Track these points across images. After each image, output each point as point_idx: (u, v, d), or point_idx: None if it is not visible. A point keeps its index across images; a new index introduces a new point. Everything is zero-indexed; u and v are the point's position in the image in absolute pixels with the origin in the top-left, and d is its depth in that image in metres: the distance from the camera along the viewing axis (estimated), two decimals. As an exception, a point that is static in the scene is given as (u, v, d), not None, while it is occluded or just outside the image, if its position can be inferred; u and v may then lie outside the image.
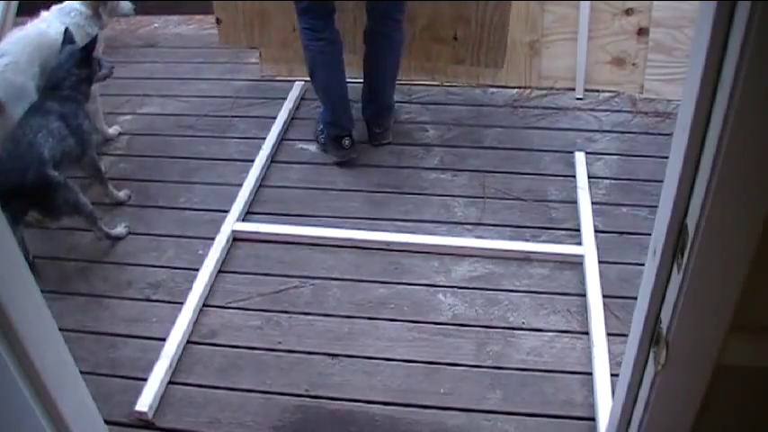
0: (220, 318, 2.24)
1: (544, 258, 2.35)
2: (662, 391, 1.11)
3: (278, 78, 3.37)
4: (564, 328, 2.14)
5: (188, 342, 2.16)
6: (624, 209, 2.53)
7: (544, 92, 3.14)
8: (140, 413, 1.93)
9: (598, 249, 2.34)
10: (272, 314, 2.23)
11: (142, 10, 3.04)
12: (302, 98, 3.20)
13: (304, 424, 1.93)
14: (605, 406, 1.83)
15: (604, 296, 2.18)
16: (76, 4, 2.80)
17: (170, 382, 2.04)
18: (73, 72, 2.46)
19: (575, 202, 2.56)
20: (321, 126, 2.89)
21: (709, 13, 0.80)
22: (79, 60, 2.47)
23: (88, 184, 2.68)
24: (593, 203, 2.53)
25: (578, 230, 2.44)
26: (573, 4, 3.00)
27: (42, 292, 1.11)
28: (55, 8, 2.80)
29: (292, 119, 3.11)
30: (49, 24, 2.73)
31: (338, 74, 2.78)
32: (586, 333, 2.11)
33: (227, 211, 2.59)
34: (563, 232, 2.47)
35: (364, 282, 2.33)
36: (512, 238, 2.45)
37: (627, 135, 2.90)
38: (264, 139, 2.93)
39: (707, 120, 0.86)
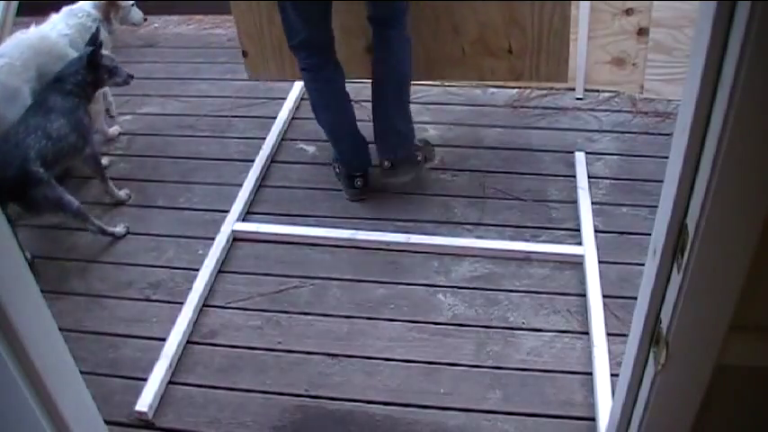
0: (220, 318, 2.24)
1: (544, 258, 2.35)
2: (662, 391, 1.11)
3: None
4: (564, 328, 2.14)
5: (188, 342, 2.16)
6: (624, 209, 2.53)
7: (544, 92, 3.14)
8: (140, 413, 1.94)
9: (598, 249, 2.34)
10: (272, 314, 2.23)
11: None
12: (302, 98, 3.20)
13: (304, 424, 1.93)
14: (605, 406, 1.83)
15: (604, 296, 2.18)
16: (87, 6, 2.82)
17: (170, 382, 2.04)
18: (80, 71, 2.50)
19: (575, 202, 2.56)
20: (333, 157, 2.71)
21: (709, 13, 0.80)
22: (87, 62, 2.50)
23: (82, 183, 2.68)
24: (593, 203, 2.53)
25: (578, 230, 2.44)
26: (573, 4, 3.00)
27: (42, 292, 1.11)
28: (65, 9, 2.82)
29: (292, 119, 3.10)
30: (54, 26, 2.74)
31: (342, 113, 2.58)
32: (586, 333, 2.11)
33: (227, 211, 2.59)
34: (563, 232, 2.47)
35: (364, 282, 2.33)
36: (512, 238, 2.45)
37: (627, 135, 2.90)
38: (264, 139, 2.93)
39: (707, 120, 0.86)
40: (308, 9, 2.37)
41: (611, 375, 1.93)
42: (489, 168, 2.76)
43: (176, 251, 2.51)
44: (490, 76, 2.76)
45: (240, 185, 2.70)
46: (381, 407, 1.96)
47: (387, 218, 2.57)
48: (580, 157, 2.76)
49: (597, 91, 3.12)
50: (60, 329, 1.19)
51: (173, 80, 3.45)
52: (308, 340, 2.15)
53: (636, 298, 1.17)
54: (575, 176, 2.67)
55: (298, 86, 3.25)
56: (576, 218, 2.50)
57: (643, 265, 1.13)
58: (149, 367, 2.05)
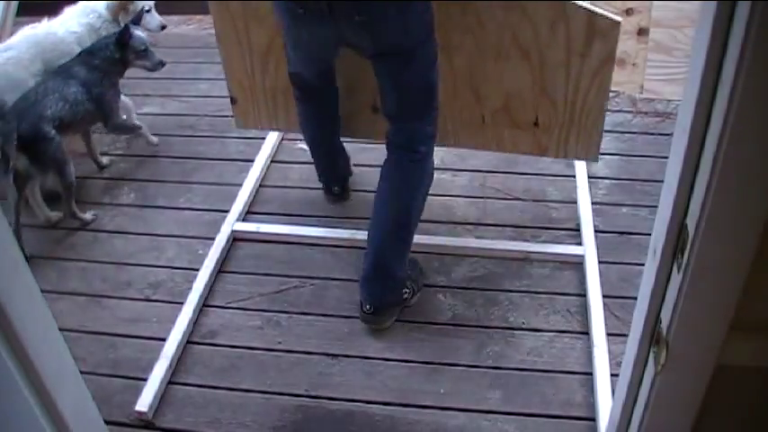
0: (220, 318, 2.24)
1: (544, 258, 2.35)
2: (662, 391, 1.11)
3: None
4: (564, 328, 2.14)
5: (188, 342, 2.16)
6: (624, 209, 2.53)
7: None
8: (140, 413, 1.94)
9: (598, 249, 2.34)
10: (272, 314, 2.23)
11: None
12: (302, 98, 3.20)
13: (304, 424, 1.93)
14: (605, 406, 1.83)
15: (604, 296, 2.18)
16: (99, 6, 2.84)
17: (170, 382, 2.04)
18: (109, 47, 2.61)
19: (575, 202, 2.56)
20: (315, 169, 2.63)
21: (709, 13, 0.80)
22: (115, 40, 2.62)
23: (81, 183, 2.67)
24: (593, 203, 2.53)
25: (578, 230, 2.44)
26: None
27: (42, 292, 1.11)
28: (79, 5, 2.85)
29: (292, 119, 3.10)
30: (63, 23, 2.76)
31: (326, 134, 2.46)
32: (586, 333, 2.11)
33: (227, 211, 2.59)
34: (563, 232, 2.47)
35: (364, 282, 2.32)
36: (512, 238, 2.44)
37: (627, 135, 2.90)
38: (264, 139, 2.93)
39: (707, 120, 0.86)
40: (309, 57, 2.19)
41: (611, 375, 1.93)
42: (489, 168, 2.76)
43: (176, 251, 2.51)
44: (511, 149, 2.41)
45: (240, 185, 2.70)
46: (381, 407, 1.96)
47: (387, 218, 2.57)
48: (580, 157, 2.75)
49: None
50: (60, 329, 1.19)
51: (173, 80, 3.45)
52: (308, 340, 2.15)
53: (636, 298, 1.17)
54: (574, 176, 2.66)
55: (298, 86, 3.24)
56: (576, 218, 2.50)
57: (643, 265, 1.12)
58: (149, 367, 2.05)
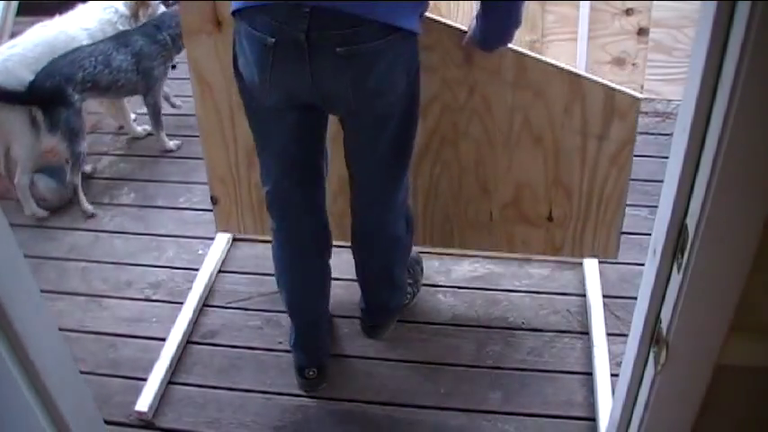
0: (220, 318, 2.24)
1: (544, 258, 2.35)
2: (662, 391, 1.11)
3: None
4: (564, 328, 2.14)
5: (188, 342, 2.16)
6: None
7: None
8: (140, 413, 1.94)
9: (598, 249, 2.34)
10: (272, 314, 2.23)
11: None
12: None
13: (304, 424, 1.93)
14: (605, 406, 1.83)
15: (604, 296, 2.19)
16: (119, 3, 2.85)
17: (170, 382, 2.04)
18: (179, 26, 2.57)
19: (575, 202, 2.56)
20: (290, 332, 2.08)
21: (709, 13, 0.80)
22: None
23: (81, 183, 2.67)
24: (593, 203, 2.53)
25: (578, 230, 2.44)
26: (573, 4, 2.99)
27: (42, 292, 1.11)
28: (95, 2, 2.85)
29: (292, 119, 3.10)
30: (77, 18, 2.75)
31: (309, 288, 1.97)
32: (586, 333, 2.11)
33: (227, 211, 2.58)
34: (563, 232, 2.46)
35: (364, 282, 2.32)
36: (512, 238, 2.44)
37: (627, 135, 2.89)
38: (264, 139, 2.93)
39: (707, 120, 0.86)
40: (285, 131, 1.69)
41: (611, 375, 1.93)
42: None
43: (176, 251, 2.51)
44: (522, 248, 2.20)
45: (240, 185, 2.70)
46: (381, 407, 1.96)
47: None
48: (580, 158, 2.74)
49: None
50: (60, 329, 1.19)
51: (173, 80, 3.44)
52: (308, 340, 2.15)
53: (636, 298, 1.17)
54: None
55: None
56: (576, 218, 2.49)
57: (643, 265, 1.13)
58: (149, 367, 2.05)
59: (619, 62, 3.08)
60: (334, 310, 2.22)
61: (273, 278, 2.33)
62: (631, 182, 2.63)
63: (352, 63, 1.49)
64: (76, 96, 2.54)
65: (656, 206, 1.06)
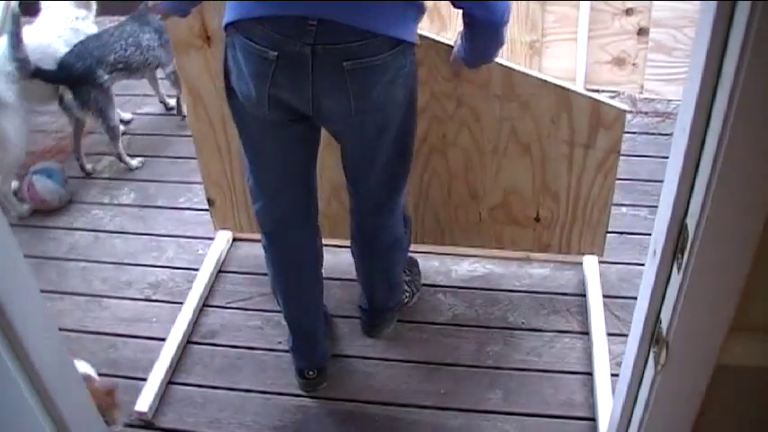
0: (220, 318, 2.24)
1: (544, 258, 2.35)
2: (662, 391, 1.11)
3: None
4: (564, 328, 2.14)
5: (188, 342, 2.16)
6: (624, 209, 2.53)
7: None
8: (140, 413, 1.93)
9: (598, 249, 2.34)
10: (272, 314, 2.23)
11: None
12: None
13: (304, 424, 1.93)
14: (605, 406, 1.83)
15: (604, 296, 2.18)
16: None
17: (170, 383, 2.04)
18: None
19: (575, 202, 2.56)
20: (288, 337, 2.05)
21: (710, 13, 0.80)
22: None
23: (81, 183, 2.66)
24: (593, 203, 2.53)
25: (578, 230, 2.44)
26: (573, 4, 3.00)
27: (42, 292, 1.11)
28: (60, 6, 2.83)
29: (292, 119, 3.10)
30: (48, 27, 2.73)
31: (305, 302, 1.96)
32: (586, 333, 2.11)
33: (227, 211, 2.58)
34: (563, 232, 2.46)
35: (364, 282, 2.32)
36: (512, 238, 2.44)
37: (627, 135, 2.87)
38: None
39: (707, 120, 0.86)
40: (279, 148, 1.67)
41: (612, 375, 1.93)
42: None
43: (176, 251, 2.51)
44: (511, 246, 2.28)
45: (240, 185, 2.70)
46: (381, 407, 1.96)
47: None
48: (580, 158, 2.74)
49: (597, 91, 3.12)
50: (60, 329, 1.19)
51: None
52: (308, 340, 2.15)
53: (636, 298, 1.17)
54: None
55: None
56: (576, 218, 2.49)
57: (643, 265, 1.13)
58: (149, 367, 2.04)
59: (619, 62, 3.09)
60: (334, 310, 2.22)
61: (273, 278, 2.36)
62: (631, 182, 2.66)
63: (357, 76, 1.46)
64: (106, 77, 2.64)
65: (656, 206, 1.06)
